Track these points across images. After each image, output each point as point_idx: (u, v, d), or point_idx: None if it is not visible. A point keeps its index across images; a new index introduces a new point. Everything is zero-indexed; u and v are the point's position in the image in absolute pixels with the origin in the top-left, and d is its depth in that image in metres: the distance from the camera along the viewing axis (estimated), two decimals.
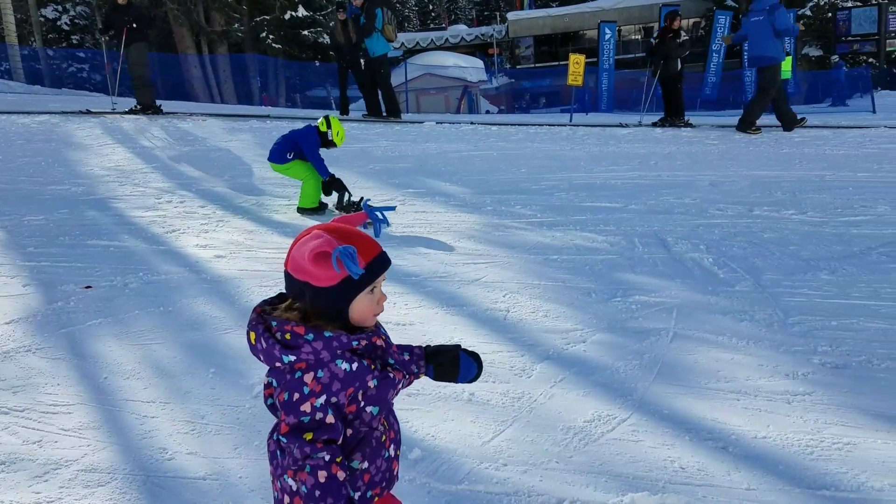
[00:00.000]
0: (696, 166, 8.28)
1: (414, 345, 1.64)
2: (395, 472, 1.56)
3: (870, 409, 2.84)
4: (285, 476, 1.39)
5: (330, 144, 6.26)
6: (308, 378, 1.36)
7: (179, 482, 2.45)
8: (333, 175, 6.14)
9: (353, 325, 1.43)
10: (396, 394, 1.54)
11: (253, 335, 1.41)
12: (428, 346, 1.65)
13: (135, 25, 11.00)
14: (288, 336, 1.37)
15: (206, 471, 2.50)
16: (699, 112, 21.10)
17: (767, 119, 11.75)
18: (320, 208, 6.22)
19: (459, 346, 1.66)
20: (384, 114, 12.15)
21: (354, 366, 1.40)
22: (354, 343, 1.41)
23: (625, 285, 4.33)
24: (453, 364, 1.63)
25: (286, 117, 12.40)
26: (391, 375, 1.48)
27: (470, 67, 29.49)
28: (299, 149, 6.10)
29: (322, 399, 1.36)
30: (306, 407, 1.36)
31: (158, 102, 11.88)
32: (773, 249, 4.95)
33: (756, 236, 5.30)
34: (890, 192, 6.70)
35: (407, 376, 1.58)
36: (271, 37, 24.72)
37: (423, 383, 3.09)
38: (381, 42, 11.53)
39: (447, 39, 42.96)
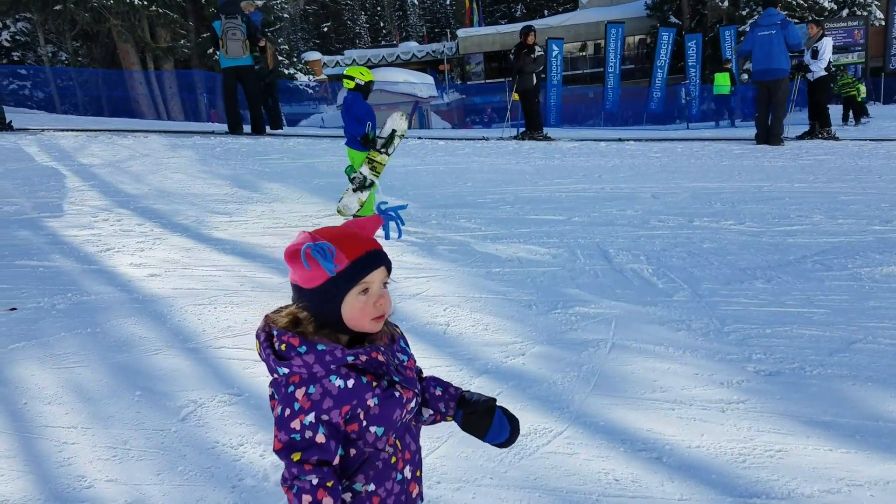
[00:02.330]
0: (638, 178, 8.40)
1: (452, 384, 1.57)
2: (414, 495, 1.47)
3: (801, 415, 2.86)
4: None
5: (367, 89, 6.41)
6: (299, 393, 1.31)
7: None
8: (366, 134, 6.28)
9: (357, 333, 1.38)
10: (408, 414, 1.44)
11: (258, 344, 1.38)
12: (467, 391, 1.56)
13: None
14: (283, 347, 1.33)
15: (125, 498, 2.39)
16: (644, 126, 21.52)
17: (710, 132, 12.00)
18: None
19: (495, 400, 1.54)
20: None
21: (350, 382, 1.33)
22: (350, 359, 1.33)
23: (565, 297, 4.33)
24: (484, 417, 1.52)
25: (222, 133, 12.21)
26: (397, 394, 1.39)
27: (420, 83, 29.58)
28: (363, 121, 6.20)
29: (311, 416, 1.29)
30: (296, 424, 1.29)
31: (8, 119, 11.21)
32: (711, 259, 5.02)
33: (695, 246, 5.37)
34: (825, 202, 6.88)
35: (419, 397, 1.48)
36: (219, 52, 24.39)
37: None
38: (222, 56, 11.54)
39: (398, 56, 43.16)
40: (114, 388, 3.18)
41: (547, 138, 12.78)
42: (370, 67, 36.78)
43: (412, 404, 1.44)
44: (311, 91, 32.09)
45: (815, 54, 12.04)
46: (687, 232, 5.82)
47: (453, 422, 1.56)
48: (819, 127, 12.41)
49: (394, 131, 6.33)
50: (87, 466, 2.58)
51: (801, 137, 12.42)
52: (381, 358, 1.37)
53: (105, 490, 2.44)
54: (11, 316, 4.00)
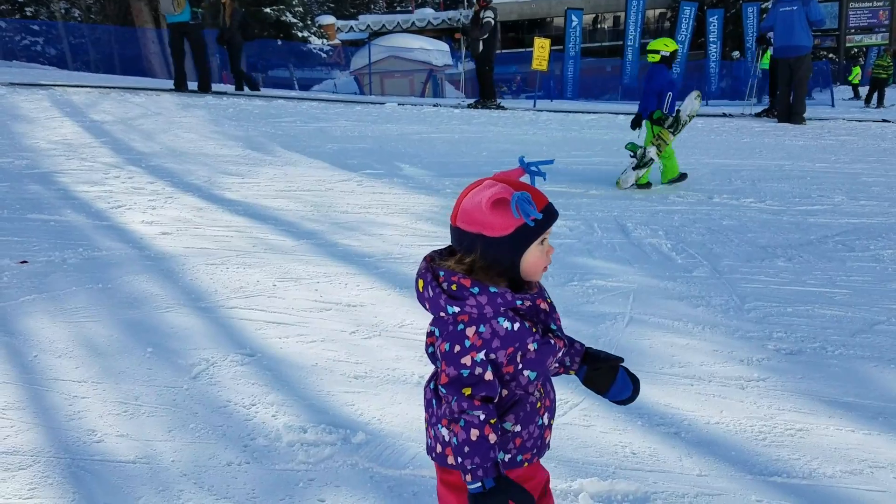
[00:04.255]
0: None
1: (577, 339, 1.59)
2: (546, 441, 1.53)
3: (822, 395, 2.81)
4: (440, 425, 1.39)
5: (671, 59, 6.44)
6: (470, 331, 1.35)
7: (107, 466, 2.31)
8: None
9: (520, 281, 1.40)
10: (555, 362, 1.50)
11: (421, 283, 1.40)
12: (591, 348, 1.59)
13: None
14: (454, 287, 1.35)
15: (135, 454, 2.36)
16: None
17: (726, 108, 11.82)
18: (683, 176, 6.51)
19: (622, 360, 1.59)
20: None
21: (516, 326, 1.37)
22: (518, 303, 1.37)
23: (582, 269, 4.26)
24: (609, 375, 1.57)
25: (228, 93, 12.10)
26: (552, 342, 1.44)
27: (435, 51, 29.11)
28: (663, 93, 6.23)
29: (482, 354, 1.35)
30: (466, 360, 1.35)
31: None
32: (731, 236, 4.94)
33: (715, 223, 5.29)
34: (846, 182, 6.77)
35: (565, 351, 1.52)
36: None
37: (374, 364, 3.00)
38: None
39: (413, 23, 42.52)
40: (125, 343, 3.14)
41: (500, 107, 12.76)
42: (384, 34, 36.38)
43: (561, 353, 1.49)
44: (324, 56, 31.77)
45: None
46: (706, 208, 5.73)
47: (575, 376, 1.59)
48: (773, 105, 12.30)
49: (678, 113, 6.34)
50: (98, 421, 2.55)
51: (758, 115, 12.30)
52: (543, 305, 1.43)
53: (115, 445, 2.41)
54: (22, 269, 3.97)
